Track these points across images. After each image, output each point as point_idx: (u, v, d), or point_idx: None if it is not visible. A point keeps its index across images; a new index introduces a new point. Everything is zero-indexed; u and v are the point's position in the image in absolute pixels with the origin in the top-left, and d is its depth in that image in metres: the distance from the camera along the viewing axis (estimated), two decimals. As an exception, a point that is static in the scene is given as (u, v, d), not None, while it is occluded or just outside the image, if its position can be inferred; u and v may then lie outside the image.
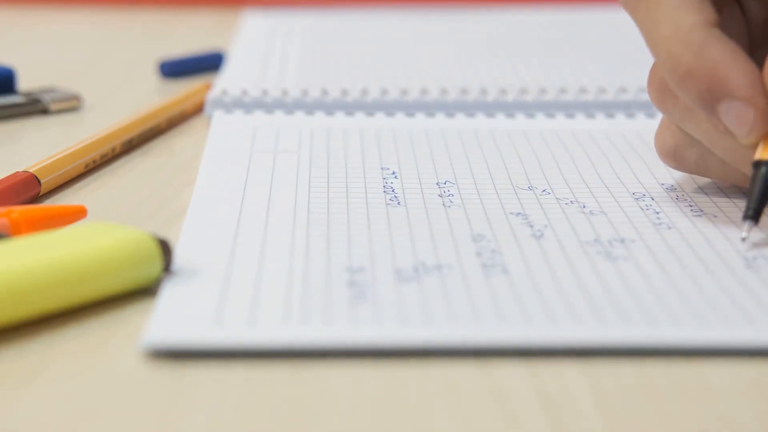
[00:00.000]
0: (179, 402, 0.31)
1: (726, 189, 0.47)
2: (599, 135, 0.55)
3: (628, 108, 0.60)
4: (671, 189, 0.47)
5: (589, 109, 0.60)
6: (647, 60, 0.43)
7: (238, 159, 0.51)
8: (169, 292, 0.36)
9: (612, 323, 0.35)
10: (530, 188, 0.47)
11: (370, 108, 0.60)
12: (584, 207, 0.45)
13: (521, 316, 0.35)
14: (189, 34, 0.89)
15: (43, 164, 0.48)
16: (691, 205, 0.45)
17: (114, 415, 0.31)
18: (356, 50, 0.77)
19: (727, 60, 0.40)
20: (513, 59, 0.72)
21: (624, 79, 0.63)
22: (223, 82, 0.63)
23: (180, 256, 0.39)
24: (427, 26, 0.87)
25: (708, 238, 0.41)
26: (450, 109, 0.60)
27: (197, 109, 0.61)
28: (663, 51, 0.41)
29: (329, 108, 0.60)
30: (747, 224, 0.40)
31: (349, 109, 0.60)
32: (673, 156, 0.45)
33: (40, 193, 0.47)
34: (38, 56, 0.80)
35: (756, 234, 0.42)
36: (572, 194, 0.46)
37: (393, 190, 0.47)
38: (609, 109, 0.60)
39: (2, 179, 0.46)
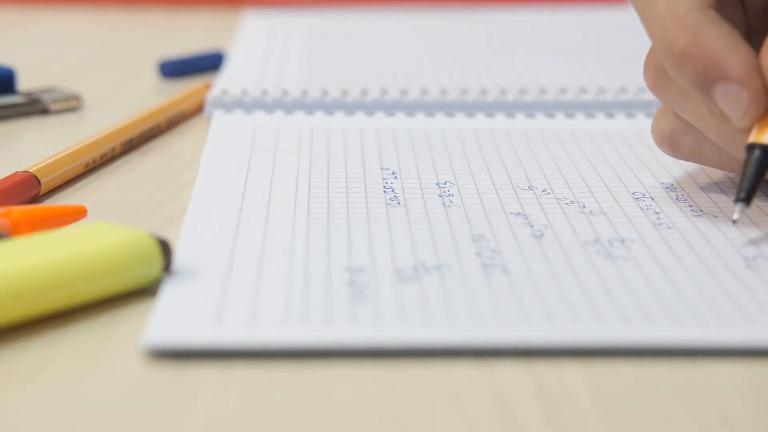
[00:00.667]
0: (179, 402, 0.31)
1: (726, 189, 0.47)
2: (599, 135, 0.55)
3: (628, 108, 0.60)
4: (671, 189, 0.47)
5: (589, 109, 0.60)
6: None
7: (238, 159, 0.51)
8: (169, 292, 0.36)
9: (612, 323, 0.35)
10: (530, 188, 0.47)
11: (370, 108, 0.60)
12: (584, 207, 0.45)
13: (521, 316, 0.35)
14: (189, 34, 0.89)
15: (43, 164, 0.48)
16: (691, 205, 0.45)
17: (114, 415, 0.31)
18: (356, 50, 0.77)
19: (723, 42, 0.40)
20: (513, 59, 0.72)
21: (624, 79, 0.63)
22: (223, 82, 0.63)
23: (180, 256, 0.39)
24: (427, 26, 0.87)
25: (708, 238, 0.41)
26: (450, 109, 0.60)
27: (197, 109, 0.61)
28: (659, 32, 0.41)
29: (329, 108, 0.60)
30: (739, 206, 0.41)
31: (349, 109, 0.60)
32: (669, 142, 0.45)
33: (40, 193, 0.47)
34: (38, 56, 0.80)
35: (756, 234, 0.42)
36: (572, 194, 0.46)
37: (393, 190, 0.47)
38: (609, 109, 0.60)
39: (2, 179, 0.46)
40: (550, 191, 0.47)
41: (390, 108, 0.60)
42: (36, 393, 0.32)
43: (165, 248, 0.37)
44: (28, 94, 0.62)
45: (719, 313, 0.35)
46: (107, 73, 0.75)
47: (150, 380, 0.32)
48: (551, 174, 0.49)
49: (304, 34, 0.83)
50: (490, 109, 0.60)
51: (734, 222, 0.41)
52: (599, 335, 0.34)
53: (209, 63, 0.73)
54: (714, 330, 0.34)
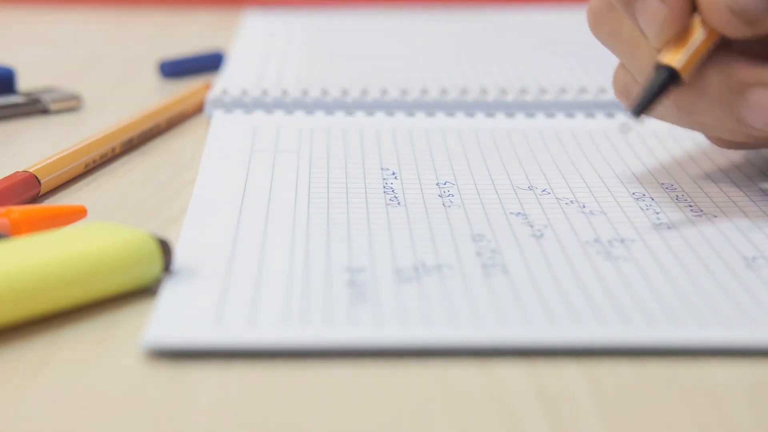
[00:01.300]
0: (179, 402, 0.31)
1: (726, 189, 0.47)
2: (599, 135, 0.55)
3: (628, 108, 0.60)
4: (671, 189, 0.47)
5: (589, 109, 0.60)
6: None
7: (237, 159, 0.51)
8: (169, 292, 0.36)
9: (612, 323, 0.35)
10: (530, 188, 0.47)
11: (370, 108, 0.60)
12: (584, 207, 0.45)
13: (521, 316, 0.35)
14: (189, 34, 0.89)
15: (43, 164, 0.48)
16: (691, 205, 0.45)
17: (114, 414, 0.31)
18: (356, 50, 0.77)
19: None
20: (513, 59, 0.72)
21: (624, 79, 0.63)
22: (223, 82, 0.63)
23: (180, 256, 0.39)
24: (427, 26, 0.87)
25: (708, 238, 0.41)
26: (450, 108, 0.60)
27: (197, 109, 0.61)
28: None
29: (329, 108, 0.60)
30: (629, 116, 0.41)
31: (349, 108, 0.60)
32: (624, 93, 0.46)
33: (40, 193, 0.47)
34: (38, 56, 0.80)
35: (756, 234, 0.42)
36: (572, 194, 0.46)
37: (393, 190, 0.47)
38: (609, 109, 0.60)
39: (2, 179, 0.46)
40: (550, 191, 0.47)
41: (390, 108, 0.60)
42: (36, 393, 0.32)
43: (165, 248, 0.37)
44: (28, 94, 0.62)
45: (719, 313, 0.35)
46: (107, 73, 0.75)
47: (150, 380, 0.32)
48: (551, 174, 0.49)
49: (304, 34, 0.83)
50: (490, 108, 0.60)
51: (619, 129, 0.42)
52: (599, 335, 0.34)
53: (209, 63, 0.73)
54: (714, 330, 0.34)
